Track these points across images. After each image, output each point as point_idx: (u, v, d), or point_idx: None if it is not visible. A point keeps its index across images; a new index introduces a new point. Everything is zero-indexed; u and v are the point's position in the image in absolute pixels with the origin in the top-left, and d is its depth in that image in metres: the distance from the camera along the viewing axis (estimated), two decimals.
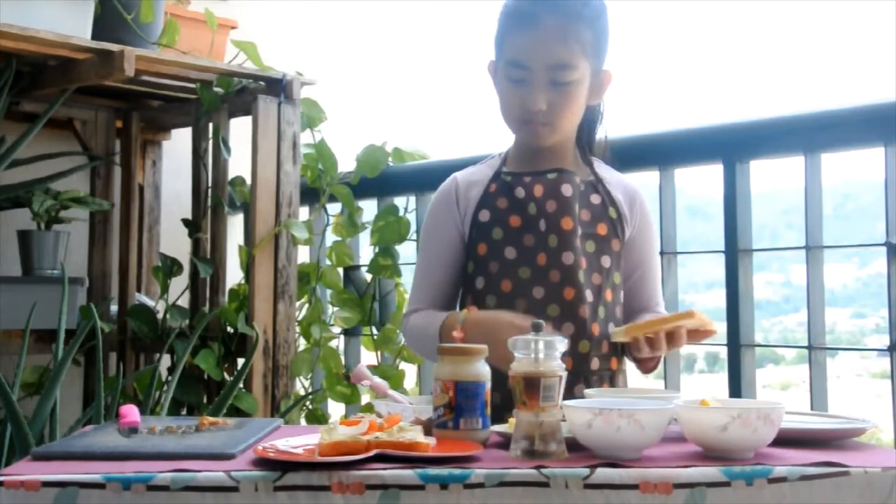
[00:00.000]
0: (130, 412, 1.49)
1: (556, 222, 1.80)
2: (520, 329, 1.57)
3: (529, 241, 1.80)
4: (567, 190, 1.82)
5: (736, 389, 2.51)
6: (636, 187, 1.93)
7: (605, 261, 1.84)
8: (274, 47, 3.17)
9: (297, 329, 3.00)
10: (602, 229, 1.84)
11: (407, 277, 3.01)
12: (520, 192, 1.83)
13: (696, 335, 1.74)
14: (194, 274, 2.94)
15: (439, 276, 1.89)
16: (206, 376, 2.86)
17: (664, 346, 1.71)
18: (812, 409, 2.34)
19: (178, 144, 3.32)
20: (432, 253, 1.90)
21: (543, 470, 1.22)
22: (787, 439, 1.40)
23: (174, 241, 3.20)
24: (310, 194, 3.09)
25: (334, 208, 3.11)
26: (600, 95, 1.88)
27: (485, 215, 1.84)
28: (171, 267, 2.98)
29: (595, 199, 1.86)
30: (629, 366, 1.90)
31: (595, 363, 1.79)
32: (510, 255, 1.81)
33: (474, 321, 1.71)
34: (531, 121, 1.79)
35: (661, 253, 2.78)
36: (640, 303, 1.92)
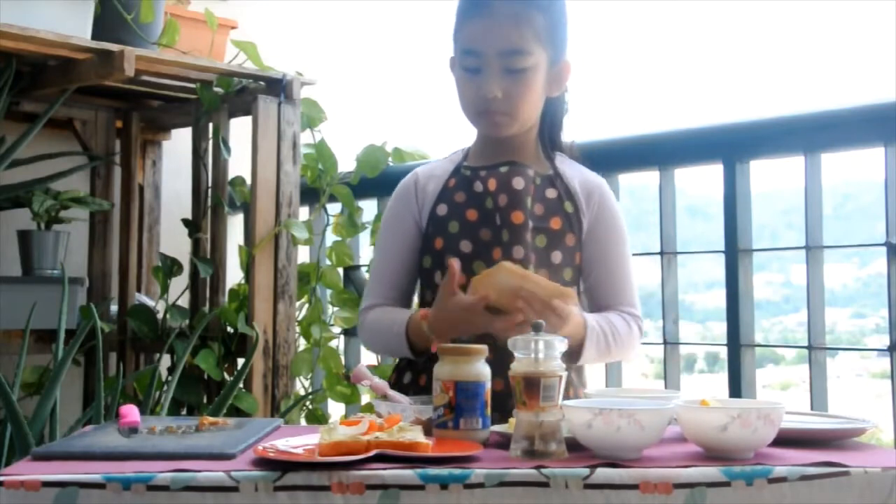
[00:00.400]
0: (130, 412, 1.49)
1: (508, 216, 1.77)
2: (471, 310, 1.60)
3: (486, 236, 1.78)
4: (518, 183, 1.79)
5: (736, 389, 2.51)
6: (598, 182, 1.88)
7: (556, 256, 1.80)
8: (274, 47, 3.17)
9: (297, 329, 3.00)
10: (555, 223, 1.81)
11: None
12: (477, 186, 1.81)
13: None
14: (194, 274, 2.94)
15: (397, 271, 1.87)
16: (206, 376, 2.86)
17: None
18: (812, 409, 2.34)
19: (178, 144, 3.32)
20: (390, 247, 1.88)
21: (543, 470, 1.22)
22: (787, 439, 1.40)
23: (174, 241, 3.20)
24: (310, 194, 3.09)
25: (334, 208, 3.11)
26: (560, 86, 1.84)
27: (442, 209, 1.83)
28: (171, 267, 2.98)
29: (551, 193, 1.82)
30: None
31: None
32: (466, 249, 1.79)
33: (436, 323, 1.69)
34: (488, 110, 1.77)
35: (661, 253, 2.78)
36: (603, 301, 1.84)
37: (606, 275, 1.84)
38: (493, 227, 1.79)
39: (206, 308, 2.91)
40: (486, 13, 1.74)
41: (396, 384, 1.82)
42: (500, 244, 1.77)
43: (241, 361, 2.80)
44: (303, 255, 3.10)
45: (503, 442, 1.42)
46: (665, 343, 2.80)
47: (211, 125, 2.95)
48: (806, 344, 2.45)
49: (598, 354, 1.76)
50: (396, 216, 1.88)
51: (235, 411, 2.69)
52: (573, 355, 1.71)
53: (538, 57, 1.76)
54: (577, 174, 1.87)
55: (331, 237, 3.13)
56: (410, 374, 1.83)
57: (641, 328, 1.84)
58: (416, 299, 1.95)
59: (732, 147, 2.57)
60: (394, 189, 1.94)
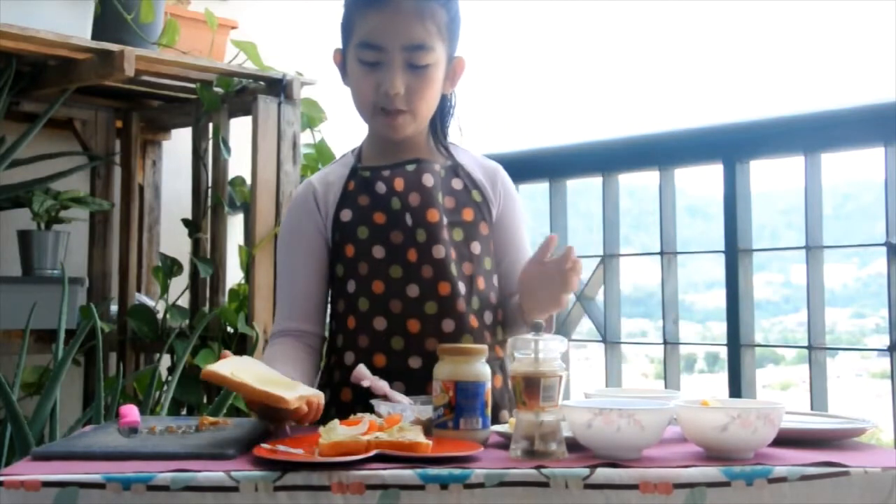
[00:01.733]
0: (130, 412, 1.49)
1: (422, 215, 1.71)
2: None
3: (397, 238, 1.72)
4: (428, 180, 1.74)
5: (736, 389, 2.52)
6: (496, 166, 1.85)
7: (475, 247, 1.76)
8: (274, 47, 3.17)
9: None
10: (468, 215, 1.76)
11: None
12: (380, 188, 1.74)
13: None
14: (194, 274, 2.94)
15: (307, 286, 1.77)
16: None
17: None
18: (812, 409, 2.34)
19: (178, 144, 3.32)
20: (297, 262, 1.78)
21: (543, 470, 1.22)
22: (787, 439, 1.40)
23: (174, 241, 3.20)
24: None
25: None
26: (454, 83, 1.80)
27: (346, 215, 1.75)
28: (171, 267, 2.98)
29: (457, 184, 1.78)
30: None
31: None
32: (378, 255, 1.72)
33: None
34: (388, 108, 1.70)
35: (661, 253, 2.78)
36: (515, 286, 1.77)
37: (517, 260, 1.79)
38: (404, 228, 1.72)
39: (206, 308, 2.91)
40: (391, 5, 1.68)
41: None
42: (415, 245, 1.71)
43: None
44: None
45: (503, 442, 1.42)
46: (665, 343, 2.81)
47: (211, 125, 2.95)
48: (806, 344, 2.45)
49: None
50: (298, 229, 1.79)
51: (235, 411, 2.69)
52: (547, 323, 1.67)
53: (440, 53, 1.72)
54: (474, 162, 1.84)
55: None
56: (351, 391, 1.72)
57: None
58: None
59: (732, 147, 2.58)
60: None
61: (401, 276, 1.71)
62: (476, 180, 1.81)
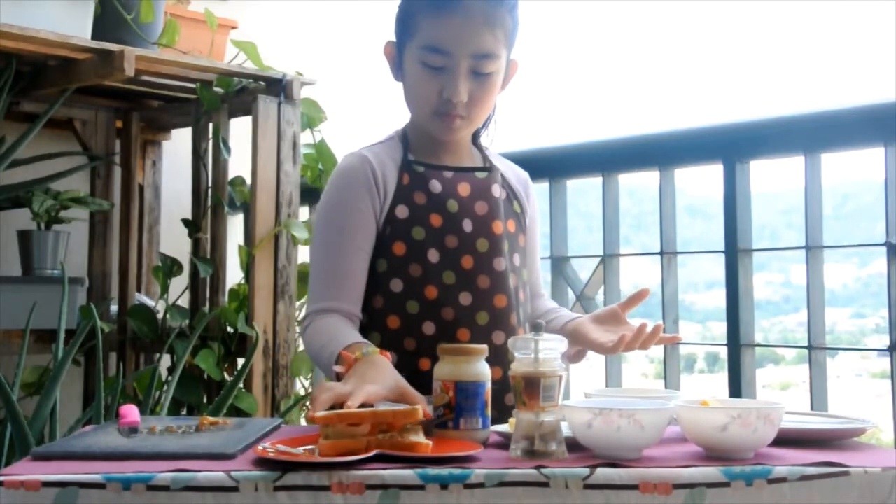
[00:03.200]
0: (130, 412, 1.49)
1: (488, 226, 1.69)
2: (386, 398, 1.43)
3: (452, 243, 1.68)
4: (497, 191, 1.73)
5: (736, 389, 2.52)
6: (526, 175, 1.85)
7: (517, 259, 1.75)
8: (274, 47, 3.17)
9: (297, 329, 3.00)
10: (511, 226, 1.75)
11: None
12: (435, 186, 1.70)
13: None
14: (194, 274, 2.94)
15: (355, 266, 1.67)
16: (206, 376, 2.86)
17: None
18: (812, 409, 2.34)
19: (178, 144, 3.32)
20: (347, 238, 1.67)
21: (543, 470, 1.22)
22: (787, 439, 1.40)
23: (174, 241, 3.20)
24: (310, 194, 3.09)
25: None
26: (507, 85, 1.76)
27: (402, 211, 1.68)
28: (171, 267, 2.98)
29: (498, 191, 1.75)
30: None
31: None
32: (433, 259, 1.67)
33: (367, 364, 1.48)
34: (449, 113, 1.67)
35: (661, 253, 2.78)
36: (531, 290, 1.82)
37: (533, 266, 1.81)
38: (460, 232, 1.69)
39: (206, 308, 2.91)
40: (461, 12, 1.63)
41: None
42: (473, 253, 1.68)
43: (241, 361, 2.80)
44: (303, 254, 3.10)
45: (503, 442, 1.42)
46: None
47: (211, 125, 2.95)
48: (806, 344, 2.45)
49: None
50: (355, 207, 1.68)
51: (235, 411, 2.69)
52: (580, 353, 1.72)
53: (503, 60, 1.70)
54: (509, 170, 1.83)
55: None
56: None
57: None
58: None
59: (732, 147, 2.58)
60: None
61: (454, 282, 1.68)
62: (516, 191, 1.80)
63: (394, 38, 1.75)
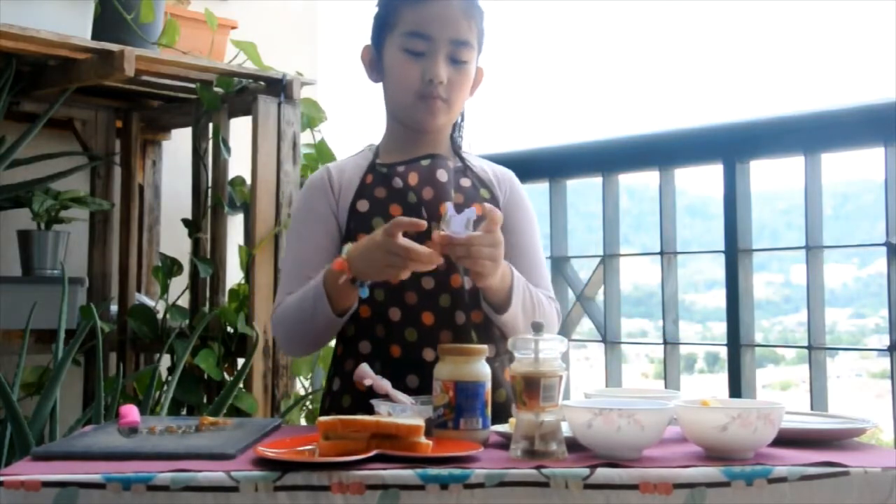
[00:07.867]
0: (130, 412, 1.49)
1: (435, 209, 1.74)
2: (389, 233, 1.55)
3: (412, 232, 1.74)
4: (442, 175, 1.79)
5: (736, 389, 2.52)
6: (507, 171, 1.91)
7: None
8: (274, 47, 3.17)
9: None
10: (476, 210, 1.76)
11: None
12: (397, 182, 1.79)
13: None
14: (194, 274, 2.94)
15: (317, 260, 1.76)
16: (206, 376, 2.86)
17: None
18: (812, 409, 2.34)
19: (178, 144, 3.32)
20: (307, 242, 1.80)
21: (543, 470, 1.22)
22: (787, 439, 1.40)
23: (174, 241, 3.20)
24: None
25: None
26: (475, 90, 1.87)
27: (363, 205, 1.79)
28: (171, 267, 2.98)
29: (465, 182, 1.83)
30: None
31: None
32: None
33: (354, 248, 1.62)
34: (431, 94, 1.76)
35: (661, 253, 2.78)
36: None
37: (523, 263, 1.81)
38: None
39: (206, 308, 2.91)
40: (441, 0, 1.76)
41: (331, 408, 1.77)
42: (429, 238, 1.69)
43: (241, 361, 2.80)
44: None
45: (503, 442, 1.42)
46: (665, 343, 2.81)
47: (211, 125, 2.95)
48: (806, 344, 2.45)
49: (523, 311, 1.72)
50: (313, 210, 1.82)
51: (235, 411, 2.69)
52: (503, 305, 1.70)
53: (474, 54, 1.81)
54: (485, 165, 1.90)
55: None
56: (350, 397, 1.75)
57: (559, 311, 1.84)
58: None
59: (732, 147, 2.58)
60: None
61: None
62: (484, 180, 1.86)
63: (369, 42, 1.86)
